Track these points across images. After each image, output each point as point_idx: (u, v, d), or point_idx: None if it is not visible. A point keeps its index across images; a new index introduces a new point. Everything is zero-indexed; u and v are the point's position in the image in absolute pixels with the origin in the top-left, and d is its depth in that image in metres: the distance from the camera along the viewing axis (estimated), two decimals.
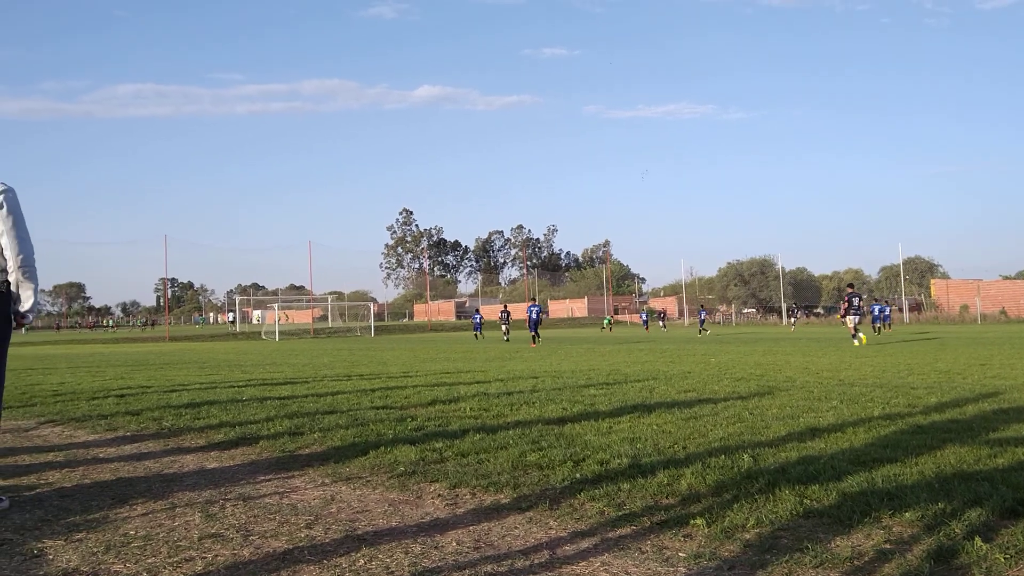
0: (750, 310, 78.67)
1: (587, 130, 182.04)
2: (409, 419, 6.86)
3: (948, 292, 62.58)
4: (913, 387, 9.06)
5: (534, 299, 34.02)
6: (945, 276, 73.93)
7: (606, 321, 57.24)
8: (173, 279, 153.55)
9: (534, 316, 29.00)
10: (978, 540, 3.10)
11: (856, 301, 21.97)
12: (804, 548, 3.12)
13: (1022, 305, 59.58)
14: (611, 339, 33.56)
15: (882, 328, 35.39)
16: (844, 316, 22.25)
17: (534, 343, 27.73)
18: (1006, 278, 71.10)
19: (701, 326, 44.27)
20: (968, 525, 3.32)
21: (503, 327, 36.61)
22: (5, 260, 4.08)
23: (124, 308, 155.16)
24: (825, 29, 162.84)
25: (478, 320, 43.35)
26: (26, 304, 4.16)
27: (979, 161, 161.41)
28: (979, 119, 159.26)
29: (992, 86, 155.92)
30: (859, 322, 22.10)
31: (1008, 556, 2.95)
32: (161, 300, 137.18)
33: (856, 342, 21.24)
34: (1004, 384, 9.21)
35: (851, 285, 24.86)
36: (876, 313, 35.04)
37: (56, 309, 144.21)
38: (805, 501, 3.76)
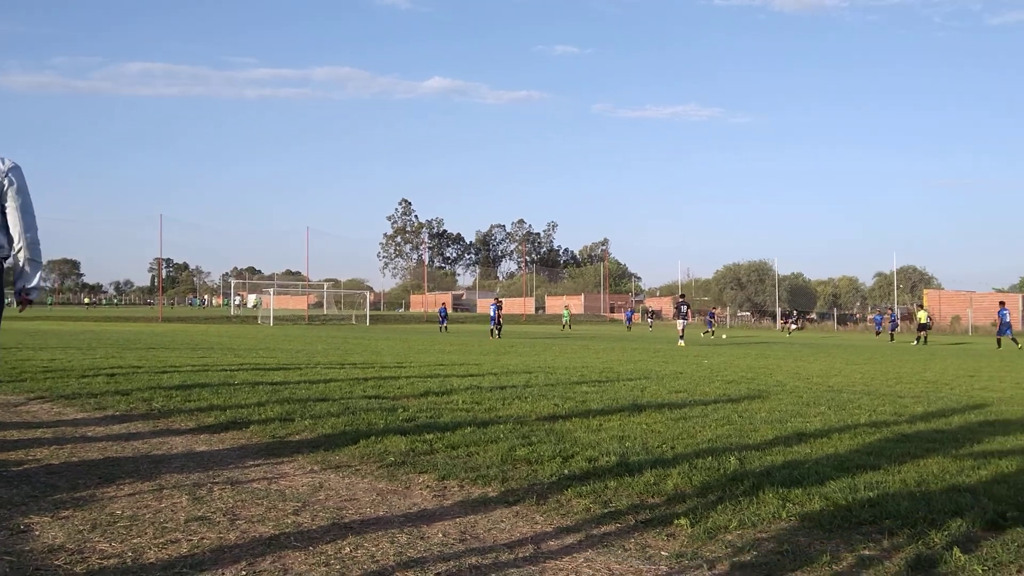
0: (745, 313, 78.74)
1: (594, 128, 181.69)
2: (401, 409, 6.88)
3: (940, 303, 62.74)
4: (900, 396, 9.11)
5: (497, 297, 35.84)
6: (939, 287, 74.04)
7: (565, 316, 54.42)
8: (168, 260, 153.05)
9: (492, 312, 31.10)
10: (957, 551, 3.13)
11: (684, 309, 26.83)
12: (784, 551, 3.16)
13: (1015, 318, 59.86)
14: (606, 336, 33.57)
15: (894, 335, 38.31)
16: (680, 319, 26.56)
17: (493, 336, 29.61)
18: (999, 291, 71.16)
19: (710, 327, 42.96)
20: (948, 536, 3.36)
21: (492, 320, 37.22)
22: (8, 237, 4.08)
23: (118, 287, 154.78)
24: (835, 39, 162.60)
25: (444, 313, 43.54)
26: (32, 281, 4.17)
27: (977, 175, 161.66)
28: (981, 133, 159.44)
29: (995, 101, 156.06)
30: (685, 326, 26.99)
31: (987, 568, 2.99)
32: (155, 280, 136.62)
33: (681, 343, 25.29)
34: (991, 396, 9.26)
35: (682, 295, 29.73)
36: (894, 319, 39.30)
37: (48, 285, 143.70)
38: (788, 505, 3.80)
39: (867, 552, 3.17)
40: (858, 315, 74.71)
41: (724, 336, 40.74)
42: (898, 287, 72.20)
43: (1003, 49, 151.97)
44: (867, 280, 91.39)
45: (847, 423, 6.58)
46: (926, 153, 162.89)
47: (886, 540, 3.33)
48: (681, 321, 26.54)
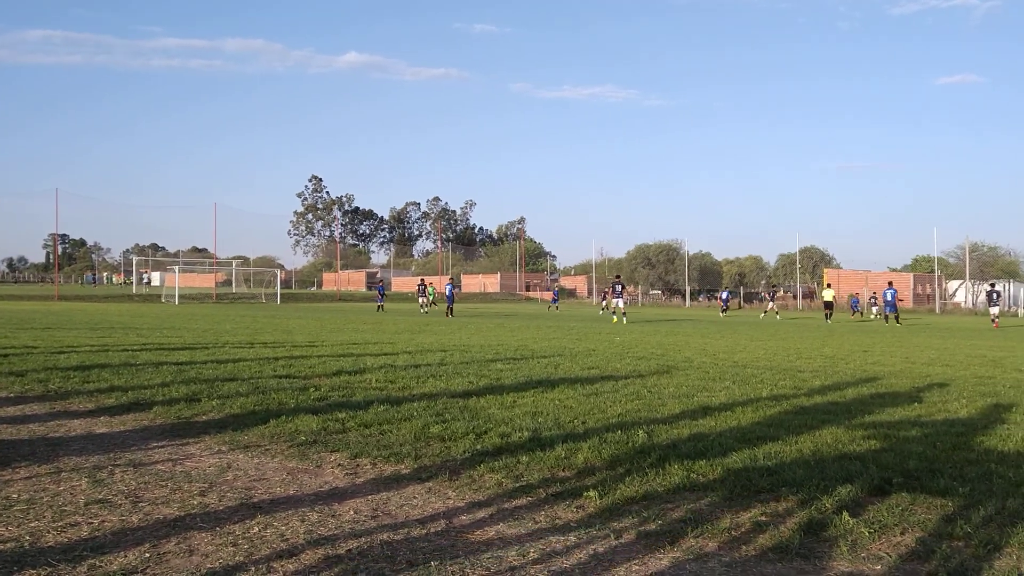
0: (656, 292, 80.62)
1: (512, 108, 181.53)
2: (312, 389, 6.79)
3: (839, 281, 65.75)
4: (800, 370, 9.54)
5: (451, 277, 36.39)
6: (837, 267, 77.50)
7: (430, 293, 48.19)
8: (64, 235, 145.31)
9: (448, 292, 32.21)
10: (846, 515, 3.33)
11: (619, 288, 28.47)
12: (687, 520, 3.29)
13: (906, 296, 63.33)
14: (522, 314, 33.83)
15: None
16: (615, 298, 28.04)
17: (449, 315, 30.19)
18: (893, 270, 75.13)
19: (725, 306, 42.43)
20: (838, 501, 3.56)
21: (420, 299, 37.66)
22: None
23: (10, 263, 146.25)
24: (746, 25, 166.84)
25: (381, 291, 42.55)
26: None
27: (875, 159, 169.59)
28: (877, 119, 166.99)
29: (892, 87, 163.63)
30: (625, 304, 28.50)
31: (872, 531, 3.19)
32: (51, 257, 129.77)
33: (616, 319, 26.80)
34: (883, 370, 9.80)
35: (618, 276, 31.33)
36: (881, 301, 34.08)
37: None
38: (692, 475, 3.95)
39: (764, 518, 3.33)
40: (764, 293, 77.57)
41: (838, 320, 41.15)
42: (800, 267, 75.30)
43: (903, 38, 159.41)
44: (771, 260, 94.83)
45: (750, 397, 6.86)
46: (824, 137, 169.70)
47: (781, 506, 3.51)
48: (618, 300, 27.86)
